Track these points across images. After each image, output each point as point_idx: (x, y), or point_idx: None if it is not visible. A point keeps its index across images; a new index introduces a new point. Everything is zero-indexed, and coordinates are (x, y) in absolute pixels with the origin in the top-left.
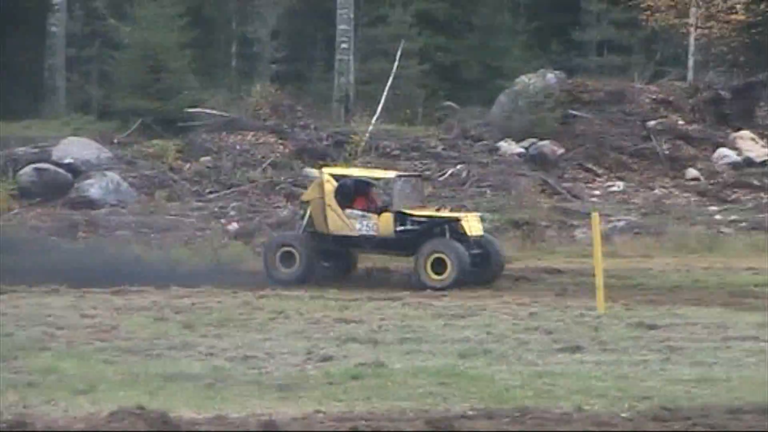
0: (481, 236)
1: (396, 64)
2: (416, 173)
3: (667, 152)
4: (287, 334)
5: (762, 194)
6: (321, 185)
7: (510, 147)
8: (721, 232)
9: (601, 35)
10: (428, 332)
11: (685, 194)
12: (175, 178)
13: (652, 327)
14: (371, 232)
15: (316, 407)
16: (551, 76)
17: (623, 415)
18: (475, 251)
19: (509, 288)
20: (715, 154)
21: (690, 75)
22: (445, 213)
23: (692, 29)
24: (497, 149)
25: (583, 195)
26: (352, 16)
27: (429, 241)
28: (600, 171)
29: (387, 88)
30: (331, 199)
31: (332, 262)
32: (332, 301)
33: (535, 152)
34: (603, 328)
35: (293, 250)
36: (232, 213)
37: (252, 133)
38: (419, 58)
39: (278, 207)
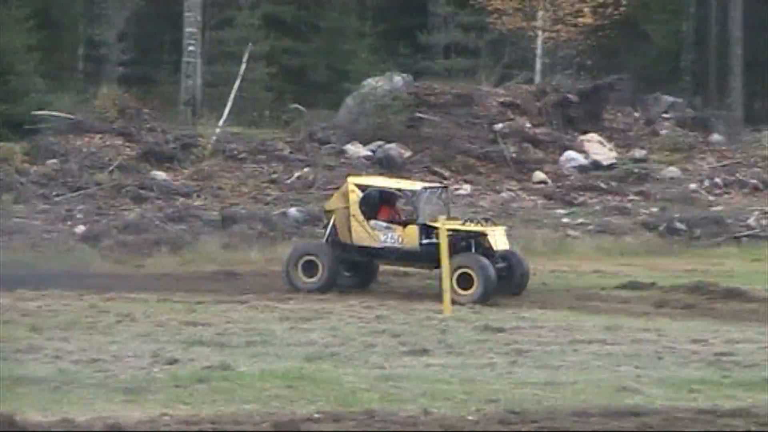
0: (507, 250)
1: (243, 67)
2: (442, 185)
3: (514, 155)
4: (134, 336)
5: (609, 197)
6: (345, 195)
7: (357, 150)
8: (568, 235)
9: (448, 38)
10: (275, 335)
11: (532, 197)
12: (21, 180)
13: (499, 330)
14: (396, 244)
15: (162, 410)
16: (398, 79)
17: (470, 418)
18: (501, 265)
19: (355, 291)
20: (563, 157)
21: (537, 78)
22: (471, 227)
23: (539, 32)
24: (344, 152)
25: None
26: (199, 18)
27: (455, 256)
28: (447, 174)
29: (234, 91)
30: (356, 210)
31: (353, 272)
32: (179, 303)
33: (382, 155)
34: (449, 331)
35: (316, 260)
36: (79, 216)
37: (99, 135)
38: (266, 61)
39: (125, 210)
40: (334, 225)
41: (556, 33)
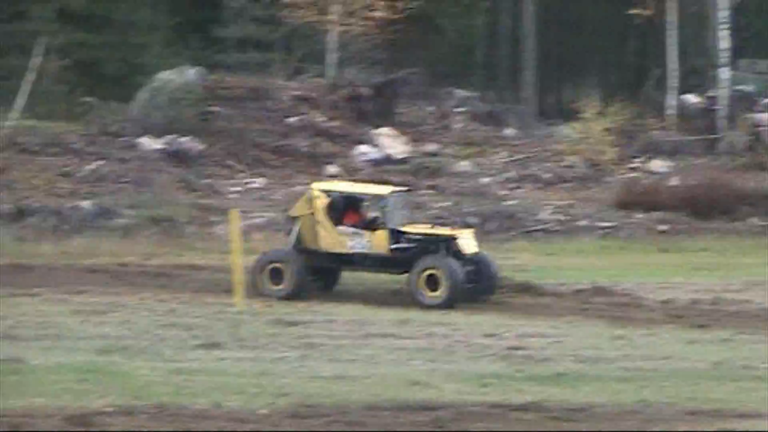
0: (476, 253)
1: (36, 59)
2: (405, 188)
3: (306, 149)
4: None
5: None
6: (311, 200)
7: (150, 143)
8: None
9: (242, 31)
10: (67, 328)
11: None
12: None
13: (291, 324)
14: (365, 250)
15: None
16: (191, 72)
17: (261, 411)
18: (470, 268)
19: (148, 284)
20: (356, 151)
21: (331, 72)
22: (441, 230)
23: (333, 26)
24: (137, 145)
25: (223, 191)
26: None
27: (424, 258)
28: (240, 167)
29: (27, 84)
30: (322, 216)
31: (317, 276)
32: None
33: (175, 148)
34: (242, 325)
35: (283, 267)
36: None
37: None
38: (60, 54)
39: None
40: (299, 232)
41: (349, 27)
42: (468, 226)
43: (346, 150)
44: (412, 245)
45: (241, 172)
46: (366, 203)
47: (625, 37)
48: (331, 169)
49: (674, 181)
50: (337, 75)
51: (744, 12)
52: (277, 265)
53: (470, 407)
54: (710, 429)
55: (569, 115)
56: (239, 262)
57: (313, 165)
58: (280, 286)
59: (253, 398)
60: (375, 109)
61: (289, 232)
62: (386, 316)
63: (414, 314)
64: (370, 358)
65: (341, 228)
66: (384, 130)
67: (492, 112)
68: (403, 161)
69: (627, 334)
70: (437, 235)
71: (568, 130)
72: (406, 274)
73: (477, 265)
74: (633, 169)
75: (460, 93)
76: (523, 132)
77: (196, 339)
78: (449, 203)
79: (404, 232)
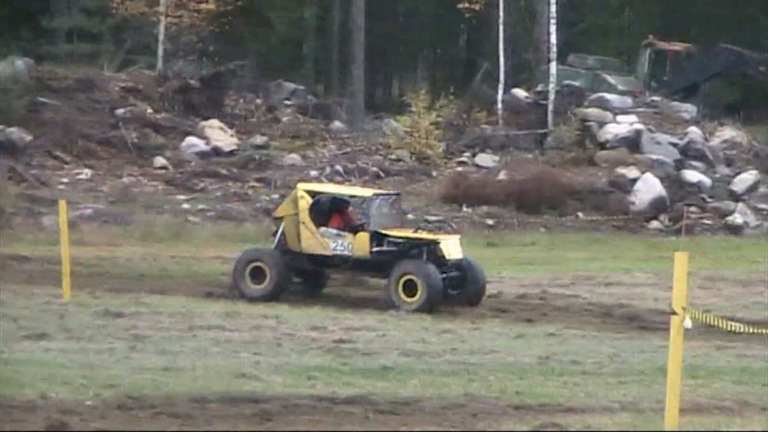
0: (461, 259)
1: None
2: (395, 192)
3: (135, 140)
4: None
5: (229, 183)
6: (295, 201)
7: None
8: (189, 221)
9: (71, 22)
10: None
11: (153, 182)
12: None
13: (118, 315)
14: (346, 252)
15: None
16: (20, 63)
17: (88, 403)
18: (453, 274)
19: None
20: (184, 143)
21: (159, 64)
22: (424, 235)
23: (162, 18)
24: None
25: (51, 182)
26: None
27: (401, 263)
28: (68, 158)
29: None
30: (305, 216)
31: (303, 278)
32: None
33: (3, 139)
34: (69, 316)
35: (264, 266)
36: None
37: None
38: None
39: None
40: (283, 232)
41: (179, 19)
42: (455, 231)
43: (175, 142)
44: (392, 249)
45: (70, 163)
46: (350, 206)
47: (456, 31)
48: (160, 160)
49: (502, 176)
50: (166, 67)
51: (575, 6)
52: (258, 264)
53: (296, 400)
54: (536, 423)
55: (398, 109)
56: (67, 253)
57: (142, 157)
58: (261, 286)
59: (80, 389)
60: (204, 101)
61: (274, 233)
62: (213, 309)
63: (241, 307)
64: (197, 350)
65: (324, 230)
66: (212, 122)
67: (320, 105)
68: (231, 153)
69: (454, 328)
70: (419, 239)
71: (396, 124)
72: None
73: (462, 271)
74: (461, 163)
75: (289, 86)
76: (352, 125)
77: (23, 330)
78: (276, 196)
79: (386, 236)
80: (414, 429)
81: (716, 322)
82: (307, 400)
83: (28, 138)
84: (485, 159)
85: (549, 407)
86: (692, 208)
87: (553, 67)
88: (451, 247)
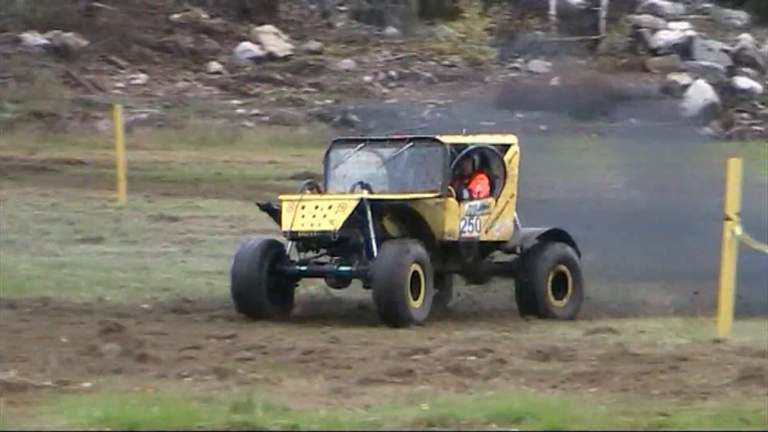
0: None
1: None
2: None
3: (189, 46)
4: None
5: (283, 88)
6: None
7: (34, 38)
8: (243, 126)
9: None
10: None
11: (208, 87)
12: None
13: (173, 219)
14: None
15: None
16: None
17: (144, 306)
18: None
19: (31, 179)
20: (238, 48)
21: None
22: None
23: None
24: (20, 40)
25: (106, 87)
26: None
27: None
28: (123, 63)
29: None
30: None
31: None
32: None
33: (58, 44)
34: (124, 220)
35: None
36: None
37: None
38: None
39: None
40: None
41: None
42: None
43: (229, 47)
44: None
45: (125, 68)
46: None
47: None
48: (214, 65)
49: (555, 81)
50: None
51: None
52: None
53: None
54: (590, 327)
55: (451, 15)
56: (122, 157)
57: (196, 62)
58: None
59: (135, 293)
60: (257, 6)
61: None
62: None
63: None
64: None
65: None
66: (266, 27)
67: (374, 11)
68: (285, 59)
69: None
70: None
71: (449, 30)
72: None
73: None
74: (514, 69)
75: None
76: (405, 31)
77: (79, 234)
78: (330, 101)
79: None
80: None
81: None
82: None
83: (84, 43)
84: (538, 65)
85: (603, 311)
86: (743, 115)
87: None
88: None
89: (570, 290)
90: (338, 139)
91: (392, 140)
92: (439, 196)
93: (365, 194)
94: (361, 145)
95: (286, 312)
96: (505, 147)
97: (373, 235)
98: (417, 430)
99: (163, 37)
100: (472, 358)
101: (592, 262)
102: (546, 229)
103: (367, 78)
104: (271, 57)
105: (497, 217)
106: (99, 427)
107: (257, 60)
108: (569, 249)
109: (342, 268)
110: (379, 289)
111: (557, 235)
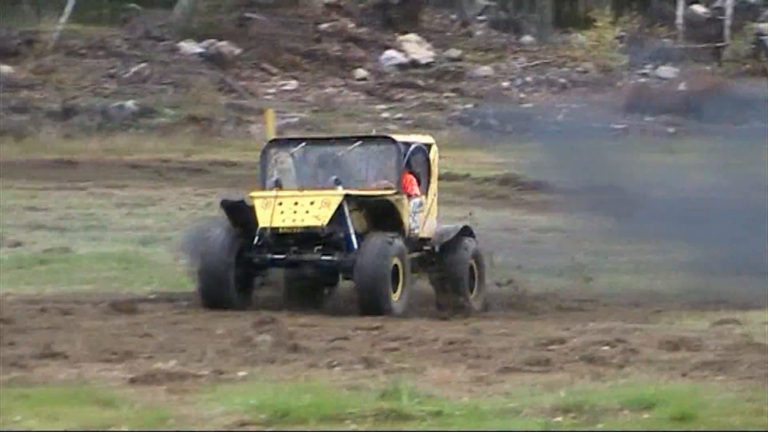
0: None
1: None
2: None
3: (337, 53)
4: None
5: (425, 94)
6: None
7: (190, 47)
8: (387, 129)
9: None
10: (111, 220)
11: (354, 93)
12: None
13: None
14: None
15: (6, 290)
16: None
17: None
18: None
19: (188, 179)
20: (383, 56)
21: None
22: None
23: None
24: (178, 49)
25: (258, 93)
26: None
27: None
28: (274, 70)
29: None
30: None
31: None
32: (21, 190)
33: (213, 52)
34: None
35: None
36: None
37: None
38: None
39: None
40: None
41: None
42: None
43: (375, 55)
44: None
45: (276, 75)
46: None
47: None
48: (360, 72)
49: (682, 86)
50: None
51: None
52: None
53: None
54: (716, 319)
55: (584, 24)
56: None
57: (343, 69)
58: None
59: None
60: (401, 16)
61: None
62: None
63: None
64: None
65: None
66: (410, 36)
67: (511, 21)
68: (427, 65)
69: None
70: None
71: (582, 38)
72: None
73: None
74: (643, 75)
75: (481, 2)
76: (541, 39)
77: None
78: (470, 105)
79: None
80: (602, 324)
81: None
82: None
83: (237, 51)
84: (666, 71)
85: (728, 304)
86: None
87: None
88: None
89: (477, 282)
90: (275, 139)
91: (338, 139)
92: (396, 193)
93: (340, 190)
94: (303, 144)
95: (248, 300)
96: (428, 146)
97: (352, 230)
98: (554, 416)
99: (312, 46)
100: (606, 348)
101: (718, 258)
102: (461, 225)
103: (505, 83)
104: (414, 64)
105: (428, 215)
106: (254, 414)
107: (401, 67)
108: (477, 244)
109: (324, 257)
110: (363, 280)
111: (467, 232)
